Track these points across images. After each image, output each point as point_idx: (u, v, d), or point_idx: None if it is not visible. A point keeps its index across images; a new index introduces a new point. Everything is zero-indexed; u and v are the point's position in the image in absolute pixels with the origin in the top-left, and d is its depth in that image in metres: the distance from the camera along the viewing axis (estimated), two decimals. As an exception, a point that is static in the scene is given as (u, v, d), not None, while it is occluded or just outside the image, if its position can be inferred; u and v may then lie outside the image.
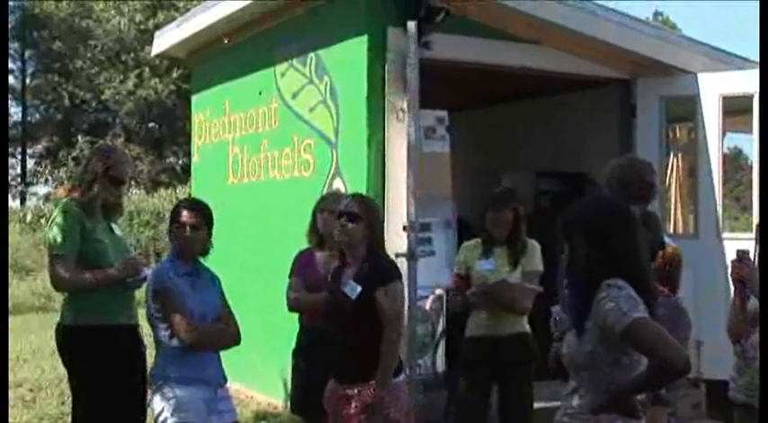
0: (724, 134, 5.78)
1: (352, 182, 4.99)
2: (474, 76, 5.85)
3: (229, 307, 3.33)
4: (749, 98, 5.50)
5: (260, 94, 6.02)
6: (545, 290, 3.78)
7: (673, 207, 6.11)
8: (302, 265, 3.91)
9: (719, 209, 5.61)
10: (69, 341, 3.48)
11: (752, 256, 3.28)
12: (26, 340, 8.18)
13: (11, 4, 21.27)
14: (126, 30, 22.60)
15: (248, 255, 6.08)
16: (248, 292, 5.32)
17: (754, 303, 3.27)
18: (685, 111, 5.87)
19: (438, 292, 4.96)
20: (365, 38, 4.90)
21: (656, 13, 33.66)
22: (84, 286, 3.43)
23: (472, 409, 3.85)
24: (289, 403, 4.41)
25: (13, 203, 22.39)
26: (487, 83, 6.37)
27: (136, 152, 21.29)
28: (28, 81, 25.91)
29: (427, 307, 4.96)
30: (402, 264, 4.19)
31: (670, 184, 6.07)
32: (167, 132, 23.93)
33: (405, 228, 4.58)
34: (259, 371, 5.66)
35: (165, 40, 7.14)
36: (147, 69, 21.98)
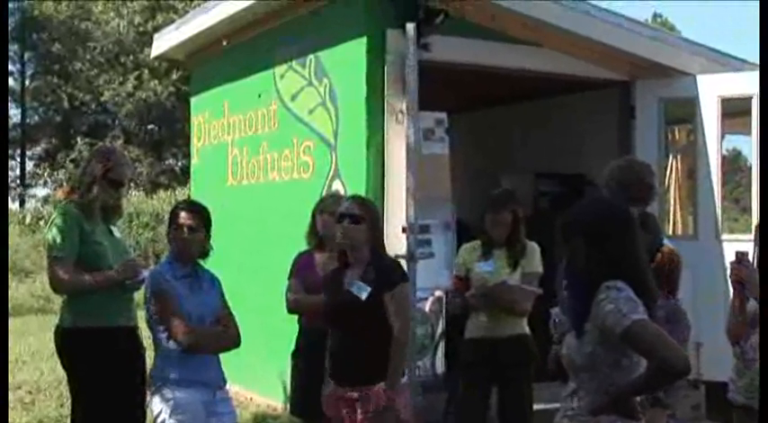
0: (723, 136, 5.78)
1: (351, 184, 4.99)
2: (473, 77, 5.86)
3: (229, 309, 3.33)
4: (748, 100, 5.51)
5: (259, 96, 6.02)
6: (544, 291, 3.78)
7: (672, 209, 6.11)
8: (301, 266, 3.90)
9: (718, 210, 5.61)
10: (68, 343, 3.48)
11: (751, 257, 3.28)
12: (25, 342, 8.17)
13: (10, 5, 21.27)
14: (125, 32, 22.63)
15: (247, 256, 6.08)
16: (247, 294, 5.32)
17: (753, 305, 3.27)
18: (684, 112, 5.87)
19: (437, 293, 4.96)
20: (364, 40, 4.91)
21: (655, 15, 33.73)
22: (84, 288, 3.43)
23: (472, 410, 3.85)
24: (288, 405, 4.41)
25: (12, 205, 22.40)
26: (487, 84, 6.37)
27: (135, 154, 21.30)
28: (27, 83, 25.92)
29: (427, 309, 4.96)
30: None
31: (669, 186, 6.07)
32: (167, 134, 23.94)
33: (404, 229, 4.58)
34: (258, 373, 5.65)
35: (165, 42, 7.14)
36: (146, 71, 22.00)
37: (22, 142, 25.40)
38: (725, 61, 5.92)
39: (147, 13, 22.86)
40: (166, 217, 3.35)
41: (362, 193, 4.54)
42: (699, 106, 5.68)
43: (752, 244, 3.39)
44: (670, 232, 5.82)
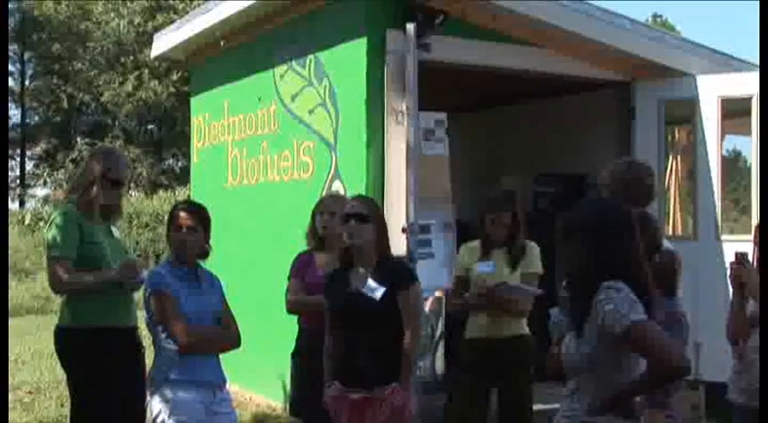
0: (723, 136, 5.78)
1: (350, 184, 4.99)
2: (473, 78, 5.86)
3: (229, 309, 3.32)
4: (748, 100, 5.51)
5: (259, 100, 6.02)
6: (544, 292, 3.78)
7: (672, 209, 6.12)
8: (301, 266, 3.90)
9: (718, 211, 5.61)
10: (68, 343, 3.48)
11: (750, 258, 3.29)
12: (25, 342, 8.17)
13: (10, 5, 21.26)
14: (125, 32, 22.62)
15: (247, 257, 6.08)
16: (247, 294, 5.32)
17: (752, 305, 3.27)
18: (684, 113, 5.87)
19: (437, 293, 4.96)
20: (364, 40, 4.91)
21: (655, 16, 33.74)
22: (83, 288, 3.43)
23: (471, 411, 3.85)
24: (287, 405, 4.41)
25: (12, 205, 22.42)
26: (486, 85, 6.38)
27: (135, 154, 21.31)
28: (27, 83, 25.94)
29: (426, 309, 4.95)
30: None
31: (669, 186, 6.08)
32: (166, 134, 23.96)
33: (404, 229, 4.58)
34: (258, 373, 5.65)
35: (164, 42, 7.14)
36: (146, 71, 22.01)
37: (21, 142, 25.42)
38: (725, 62, 5.92)
39: (147, 13, 22.87)
40: (166, 217, 3.35)
41: (362, 193, 4.54)
42: (699, 107, 5.68)
43: (751, 244, 3.39)
44: (670, 233, 5.83)
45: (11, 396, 5.61)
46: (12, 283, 11.75)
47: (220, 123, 6.69)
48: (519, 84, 6.13)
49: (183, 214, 3.22)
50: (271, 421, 5.43)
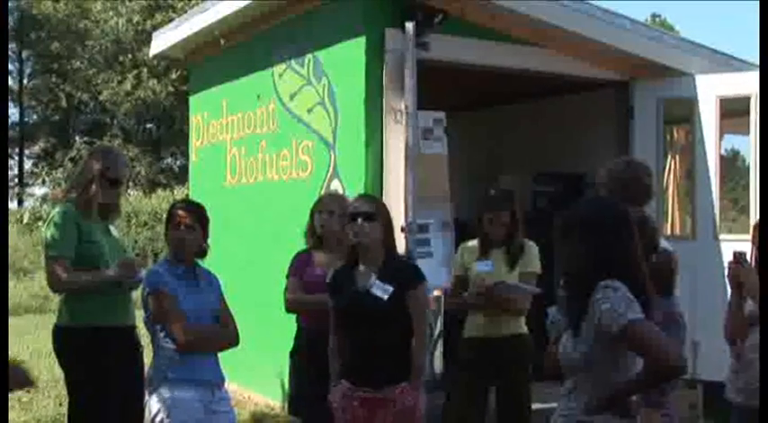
0: (721, 136, 5.79)
1: (349, 183, 4.99)
2: (472, 77, 5.86)
3: (228, 307, 3.32)
4: (746, 100, 5.52)
5: (258, 98, 6.02)
6: (542, 291, 3.78)
7: (670, 208, 6.12)
8: (300, 265, 3.90)
9: (717, 210, 5.62)
10: (66, 342, 3.48)
11: (749, 257, 3.29)
12: (23, 341, 8.16)
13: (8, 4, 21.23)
14: (124, 31, 22.60)
15: (246, 256, 6.08)
16: (246, 293, 5.32)
17: (750, 305, 3.28)
18: (683, 112, 5.88)
19: (436, 293, 4.96)
20: (363, 39, 4.91)
21: (654, 15, 33.75)
22: (81, 287, 3.43)
23: (469, 409, 3.85)
24: (286, 404, 4.41)
25: (11, 204, 22.40)
26: (485, 84, 6.38)
27: (134, 153, 21.29)
28: (25, 82, 25.92)
29: (425, 308, 4.95)
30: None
31: (668, 186, 6.08)
32: (165, 133, 23.94)
33: (402, 229, 4.58)
34: (257, 371, 5.66)
35: (163, 40, 7.14)
36: (144, 70, 21.98)
37: (20, 141, 25.40)
38: (723, 61, 5.93)
39: (146, 11, 22.84)
40: (165, 216, 3.35)
41: (361, 192, 4.54)
42: (697, 106, 5.69)
43: (750, 244, 3.40)
44: (668, 232, 5.83)
45: (9, 395, 5.61)
46: (10, 282, 11.73)
47: (219, 122, 6.69)
48: (518, 83, 6.14)
49: (181, 213, 3.22)
50: (269, 420, 5.43)
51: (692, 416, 4.65)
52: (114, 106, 22.68)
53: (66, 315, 3.49)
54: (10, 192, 23.62)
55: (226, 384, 3.29)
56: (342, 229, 3.54)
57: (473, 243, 3.94)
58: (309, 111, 5.46)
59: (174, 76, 21.58)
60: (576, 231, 2.34)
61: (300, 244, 4.03)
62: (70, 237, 3.41)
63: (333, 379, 3.28)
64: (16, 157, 25.63)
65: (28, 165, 25.95)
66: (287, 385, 4.23)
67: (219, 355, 3.27)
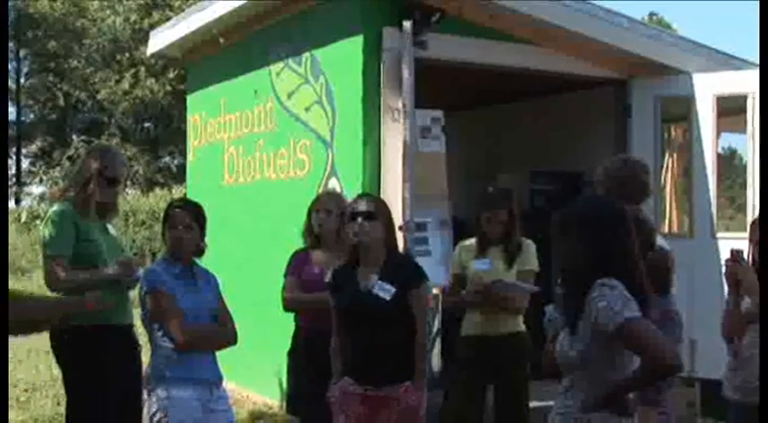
0: (719, 134, 5.80)
1: (347, 181, 5.00)
2: (469, 75, 5.86)
3: (226, 306, 3.32)
4: (743, 98, 5.52)
5: (255, 93, 6.01)
6: (540, 289, 3.79)
7: (668, 207, 6.13)
8: (298, 264, 3.90)
9: (714, 208, 5.63)
10: (64, 341, 3.47)
11: (746, 255, 3.30)
12: (21, 340, 8.15)
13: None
14: (121, 29, 22.56)
15: (244, 255, 6.08)
16: (244, 292, 5.32)
17: (747, 303, 3.28)
18: (680, 110, 5.88)
19: (434, 291, 4.96)
20: (361, 38, 4.91)
21: (651, 14, 33.74)
22: (80, 286, 3.42)
23: (467, 408, 3.86)
24: (284, 403, 4.41)
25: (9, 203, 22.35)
26: (483, 83, 6.38)
27: (131, 152, 21.26)
28: (23, 81, 25.88)
29: (424, 306, 4.95)
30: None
31: (665, 184, 6.09)
32: (163, 132, 23.90)
33: (400, 227, 4.58)
34: (255, 370, 5.66)
35: (161, 39, 7.13)
36: (142, 69, 21.95)
37: (17, 140, 25.35)
38: (721, 60, 5.93)
39: (143, 10, 22.79)
40: (162, 215, 3.35)
41: (359, 191, 4.54)
42: (695, 104, 5.69)
43: (747, 242, 3.40)
44: (666, 230, 5.84)
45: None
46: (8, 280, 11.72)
47: (217, 121, 6.69)
48: (516, 82, 6.14)
49: (178, 212, 3.22)
50: (268, 419, 5.43)
51: (690, 414, 4.66)
52: (112, 105, 22.64)
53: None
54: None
55: (224, 383, 3.29)
56: (340, 227, 3.54)
57: (471, 241, 3.95)
58: (307, 109, 5.46)
59: (171, 75, 21.55)
60: (574, 229, 2.34)
61: (298, 243, 4.02)
62: (68, 236, 3.41)
63: (335, 378, 3.28)
64: (14, 156, 25.59)
65: (25, 164, 25.93)
66: (285, 384, 4.23)
67: (218, 353, 3.27)
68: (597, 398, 2.26)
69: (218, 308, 3.28)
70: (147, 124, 24.25)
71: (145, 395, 3.23)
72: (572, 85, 6.26)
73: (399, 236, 4.52)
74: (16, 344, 7.88)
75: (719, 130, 5.80)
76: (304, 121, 5.49)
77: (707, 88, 5.67)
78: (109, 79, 22.37)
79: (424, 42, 4.82)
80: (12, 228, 15.81)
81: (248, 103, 6.14)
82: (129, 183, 19.23)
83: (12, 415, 5.40)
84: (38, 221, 15.04)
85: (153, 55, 7.80)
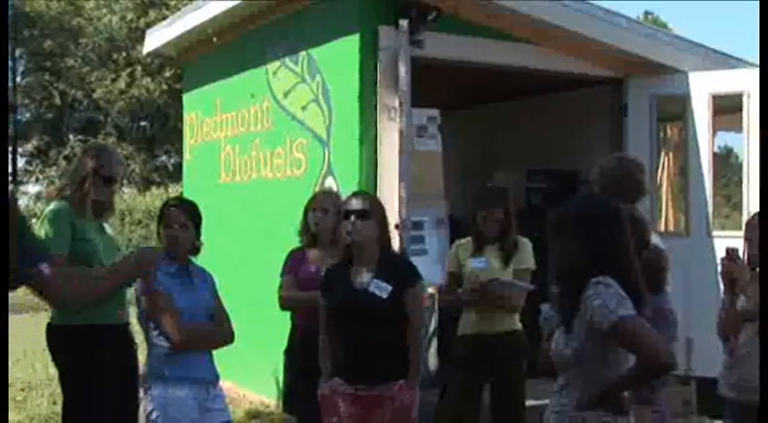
0: (714, 133, 5.81)
1: (343, 180, 5.00)
2: (466, 74, 5.86)
3: (222, 305, 3.32)
4: (739, 97, 5.53)
5: (252, 96, 6.01)
6: (536, 287, 3.79)
7: (664, 205, 6.13)
8: (294, 263, 3.89)
9: (710, 207, 5.64)
10: (60, 340, 3.47)
11: (741, 254, 3.30)
12: (17, 340, 8.13)
13: (1, 2, 21.12)
14: (117, 28, 22.52)
15: (240, 254, 6.08)
16: (240, 291, 5.32)
17: (743, 301, 3.29)
18: (676, 109, 5.89)
19: (430, 290, 4.97)
20: (357, 37, 4.91)
21: (647, 13, 33.76)
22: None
23: (464, 406, 3.86)
24: (281, 402, 4.41)
25: (5, 203, 22.25)
26: (479, 81, 6.38)
27: (128, 151, 21.23)
28: (19, 80, 25.80)
29: (420, 305, 4.95)
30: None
31: (661, 183, 6.09)
32: (159, 131, 23.86)
33: (397, 226, 4.59)
34: (252, 369, 5.66)
35: (157, 38, 7.12)
36: (138, 68, 21.91)
37: (13, 139, 25.29)
38: (716, 58, 5.94)
39: (139, 9, 22.75)
40: (158, 214, 3.35)
41: (355, 189, 4.54)
42: (690, 103, 5.70)
43: (743, 240, 3.41)
44: (662, 229, 5.85)
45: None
46: (4, 280, 11.70)
47: (213, 120, 6.68)
48: (512, 80, 6.14)
49: (173, 211, 3.22)
50: (264, 418, 5.43)
51: (686, 412, 4.68)
52: (108, 104, 22.59)
53: (60, 313, 3.48)
54: (4, 190, 23.51)
55: (220, 382, 3.29)
56: (336, 226, 3.54)
57: (467, 240, 3.95)
58: (303, 108, 5.46)
59: (167, 73, 21.51)
60: (569, 228, 2.35)
61: (295, 242, 4.02)
62: (64, 235, 3.40)
63: (324, 377, 3.26)
64: (10, 155, 25.53)
65: (21, 163, 25.84)
66: (281, 383, 4.23)
67: (214, 352, 3.27)
68: (592, 396, 2.26)
69: (215, 307, 3.28)
70: (143, 123, 24.21)
71: (141, 394, 3.23)
72: (568, 84, 6.27)
73: (395, 234, 4.53)
74: (12, 343, 7.88)
75: (715, 129, 5.81)
76: (300, 120, 5.49)
77: (703, 87, 5.67)
78: (105, 78, 22.32)
79: (421, 41, 4.82)
80: (8, 227, 15.76)
81: (244, 102, 6.14)
82: (125, 181, 19.21)
83: (8, 414, 5.39)
84: (34, 220, 15.01)
85: (149, 54, 7.79)
